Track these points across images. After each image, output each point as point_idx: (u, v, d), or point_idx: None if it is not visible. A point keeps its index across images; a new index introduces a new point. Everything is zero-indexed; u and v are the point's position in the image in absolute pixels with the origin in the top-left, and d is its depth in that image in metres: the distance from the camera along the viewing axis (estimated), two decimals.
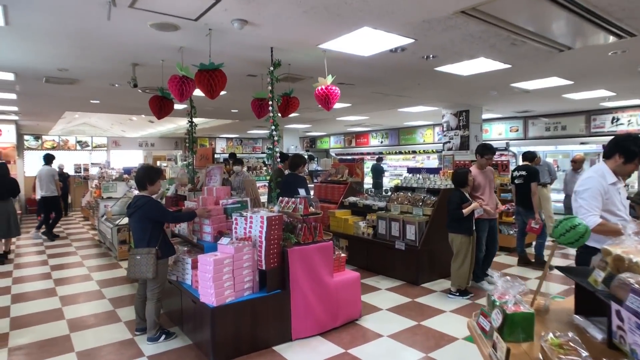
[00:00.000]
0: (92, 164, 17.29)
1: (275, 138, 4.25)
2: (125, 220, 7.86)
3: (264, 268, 3.90)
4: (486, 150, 5.52)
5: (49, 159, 9.53)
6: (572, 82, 6.38)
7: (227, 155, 12.48)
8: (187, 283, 4.28)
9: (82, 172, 16.87)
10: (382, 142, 15.47)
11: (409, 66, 5.26)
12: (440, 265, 6.05)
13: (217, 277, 3.61)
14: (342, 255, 4.67)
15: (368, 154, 15.33)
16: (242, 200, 4.62)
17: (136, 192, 8.93)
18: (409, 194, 6.49)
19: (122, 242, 7.54)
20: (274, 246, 3.96)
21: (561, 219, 2.26)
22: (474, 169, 5.48)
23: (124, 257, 7.44)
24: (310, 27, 3.68)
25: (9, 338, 4.28)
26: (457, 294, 5.21)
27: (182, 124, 15.61)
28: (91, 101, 7.90)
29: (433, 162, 13.38)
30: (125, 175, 11.18)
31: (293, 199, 4.39)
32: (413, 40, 4.07)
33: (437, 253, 5.97)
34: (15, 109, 8.74)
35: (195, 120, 13.42)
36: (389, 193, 7.49)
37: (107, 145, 17.66)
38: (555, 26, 3.81)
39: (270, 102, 4.30)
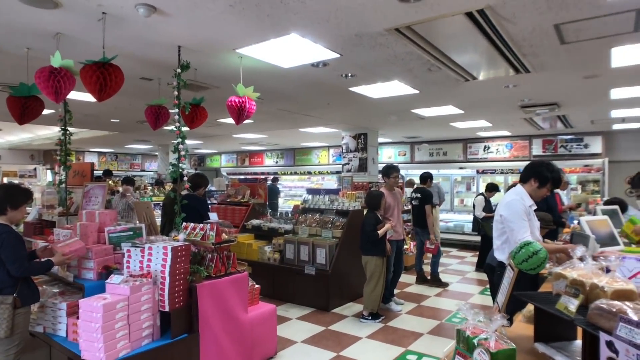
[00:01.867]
0: None
1: (182, 153, 3.62)
2: None
3: (167, 309, 3.21)
4: (391, 169, 5.58)
5: None
6: (462, 112, 6.91)
7: (102, 172, 10.90)
8: (61, 335, 3.33)
9: None
10: (277, 162, 15.17)
11: (325, 84, 5.08)
12: (349, 289, 5.90)
13: (107, 326, 2.83)
14: (257, 286, 4.17)
15: (262, 173, 14.85)
16: (135, 227, 3.83)
17: None
18: (317, 216, 6.26)
19: None
20: (180, 282, 3.30)
21: (521, 244, 2.17)
22: (384, 190, 5.48)
23: None
24: (232, 25, 3.20)
25: None
26: (370, 317, 5.08)
27: (40, 133, 13.27)
28: None
29: (329, 182, 13.49)
30: None
31: (201, 225, 3.77)
32: (338, 56, 3.87)
33: (346, 276, 5.81)
34: None
35: (58, 129, 11.65)
36: (291, 215, 7.19)
37: None
38: (471, 55, 3.98)
39: (174, 111, 3.67)
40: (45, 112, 6.37)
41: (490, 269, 3.39)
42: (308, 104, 6.41)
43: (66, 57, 3.31)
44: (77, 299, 3.45)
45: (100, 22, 3.12)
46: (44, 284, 3.85)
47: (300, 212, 6.55)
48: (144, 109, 4.33)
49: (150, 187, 9.02)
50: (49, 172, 15.47)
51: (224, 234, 3.73)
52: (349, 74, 4.61)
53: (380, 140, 10.30)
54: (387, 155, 12.56)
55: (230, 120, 8.05)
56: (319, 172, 13.97)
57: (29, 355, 3.54)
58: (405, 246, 7.50)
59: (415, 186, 7.59)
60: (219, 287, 3.55)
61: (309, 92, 5.60)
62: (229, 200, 7.66)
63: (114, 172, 12.52)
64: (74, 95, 4.58)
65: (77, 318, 3.23)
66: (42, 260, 3.18)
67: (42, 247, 3.36)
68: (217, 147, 15.27)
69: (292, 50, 3.77)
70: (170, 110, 4.48)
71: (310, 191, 8.53)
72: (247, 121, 8.17)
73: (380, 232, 4.88)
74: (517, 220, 2.98)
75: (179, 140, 3.56)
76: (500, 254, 3.14)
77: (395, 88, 5.25)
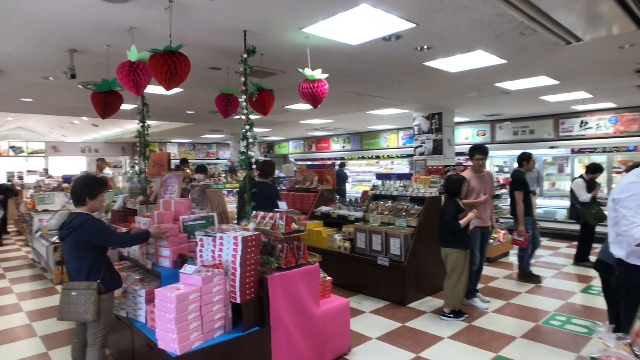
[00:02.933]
0: (27, 171, 15.54)
1: (251, 140, 3.52)
2: None
3: (238, 301, 3.16)
4: (474, 150, 5.09)
5: None
6: (557, 82, 6.10)
7: (179, 161, 11.45)
8: (141, 321, 3.44)
9: (15, 180, 15.09)
10: (343, 147, 14.94)
11: (397, 59, 4.70)
12: (427, 282, 5.53)
13: (181, 317, 2.82)
14: (328, 278, 4.00)
15: (329, 159, 14.72)
16: (207, 216, 3.84)
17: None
18: (390, 203, 5.93)
19: (59, 262, 6.44)
20: (251, 273, 3.22)
21: None
22: (468, 173, 5.01)
23: (61, 280, 6.36)
24: (298, 1, 2.99)
25: None
26: (452, 315, 4.68)
27: (129, 127, 14.31)
28: (22, 99, 6.75)
29: (399, 167, 13.01)
30: (65, 185, 9.89)
31: (270, 214, 3.67)
32: (414, 26, 3.49)
33: (424, 268, 5.45)
34: None
35: (147, 122, 12.23)
36: (360, 202, 6.92)
37: (45, 151, 15.95)
38: (580, 10, 3.35)
39: (241, 98, 3.56)
40: (126, 106, 6.74)
41: (605, 267, 2.87)
42: (377, 83, 6.06)
43: (141, 50, 3.34)
44: (155, 286, 3.54)
45: (167, 10, 3.08)
46: (127, 269, 4.02)
47: (370, 199, 6.26)
48: (212, 100, 4.35)
49: (224, 175, 9.24)
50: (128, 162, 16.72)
51: (293, 224, 3.59)
52: (425, 47, 4.18)
53: (456, 119, 9.61)
54: (464, 135, 11.74)
55: (298, 107, 8.04)
56: (387, 156, 13.50)
57: (114, 336, 3.72)
58: (493, 234, 6.91)
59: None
60: (290, 279, 3.42)
61: (379, 70, 5.25)
62: (297, 186, 7.59)
63: (190, 161, 13.14)
64: (151, 89, 4.70)
65: (154, 305, 3.31)
66: (140, 231, 3.39)
67: (138, 227, 3.62)
68: (285, 134, 15.37)
69: (362, 24, 3.47)
70: (239, 99, 4.43)
71: (380, 176, 8.18)
72: (308, 107, 8.08)
73: (462, 222, 4.44)
74: (632, 207, 2.45)
75: (247, 127, 3.44)
76: (618, 248, 2.61)
77: (477, 59, 4.71)
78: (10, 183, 12.61)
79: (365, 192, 7.50)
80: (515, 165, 6.53)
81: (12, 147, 15.33)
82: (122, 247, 3.07)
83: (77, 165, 16.19)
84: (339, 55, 4.44)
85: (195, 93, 6.35)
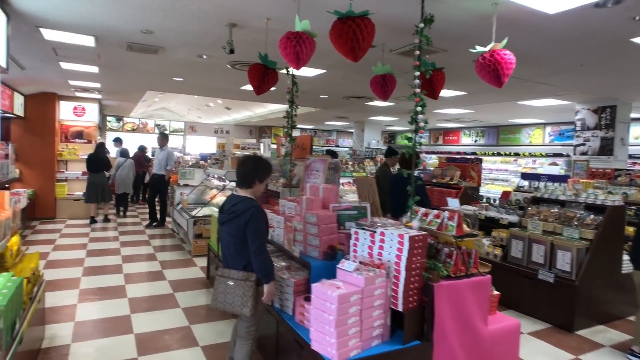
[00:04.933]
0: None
1: (422, 124, 3.02)
2: (203, 211, 7.11)
3: (399, 309, 2.72)
4: None
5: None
6: None
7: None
8: (287, 313, 3.21)
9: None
10: (475, 140, 13.64)
11: (600, 33, 3.77)
12: (600, 307, 4.54)
13: (341, 320, 2.47)
14: (495, 292, 3.36)
15: (457, 153, 13.58)
16: (359, 206, 3.46)
17: (216, 183, 8.31)
18: (556, 209, 4.98)
19: (198, 235, 6.76)
20: (416, 279, 2.76)
21: None
22: None
23: (198, 252, 6.68)
24: None
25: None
26: None
27: (258, 111, 14.91)
28: (174, 79, 7.18)
29: (543, 167, 11.44)
30: (202, 162, 10.59)
31: (435, 212, 3.15)
32: None
33: (598, 291, 4.47)
34: (98, 85, 8.31)
35: (272, 107, 12.52)
36: (514, 204, 6.01)
37: (184, 130, 17.51)
38: None
39: (416, 76, 3.04)
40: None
41: None
42: (553, 67, 5.08)
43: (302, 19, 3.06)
44: (302, 276, 3.29)
45: None
46: (272, 254, 3.85)
47: (530, 202, 5.36)
48: (355, 83, 3.96)
49: (350, 163, 8.96)
50: (261, 145, 17.46)
51: (465, 226, 3.03)
52: None
53: (633, 114, 7.96)
54: (633, 135, 9.79)
55: (443, 93, 7.27)
56: (529, 154, 11.95)
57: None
58: None
59: None
60: (459, 290, 2.88)
61: (566, 48, 4.33)
62: (434, 180, 6.94)
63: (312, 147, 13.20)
64: (301, 71, 4.47)
65: (305, 299, 3.04)
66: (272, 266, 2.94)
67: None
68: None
69: None
70: (396, 78, 3.96)
71: (527, 176, 7.16)
72: (459, 92, 7.26)
73: None
74: None
75: (419, 109, 2.95)
76: None
77: None
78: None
79: (506, 193, 6.59)
80: None
81: (157, 125, 17.08)
82: (255, 256, 2.77)
83: (209, 145, 17.49)
84: (524, 29, 3.69)
85: (338, 75, 6.05)
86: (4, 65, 3.58)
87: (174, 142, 17.41)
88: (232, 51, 3.92)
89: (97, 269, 5.82)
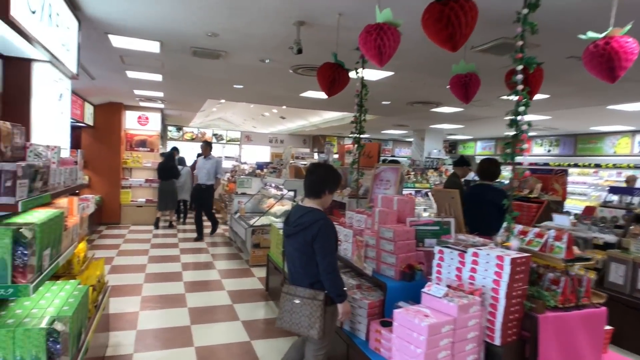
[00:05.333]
0: (225, 157, 17.56)
1: (524, 127, 2.60)
2: (261, 220, 6.98)
3: (496, 342, 2.31)
4: None
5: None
6: None
7: None
8: (360, 337, 2.88)
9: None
10: (549, 150, 12.58)
11: None
12: None
13: (431, 354, 2.11)
14: (607, 327, 2.82)
15: (529, 164, 12.59)
16: (442, 221, 3.07)
17: (273, 192, 8.20)
18: None
19: (256, 245, 6.61)
20: (516, 308, 2.33)
21: None
22: None
23: (256, 262, 6.52)
24: None
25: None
26: None
27: (313, 120, 14.79)
28: (234, 86, 7.15)
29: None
30: (258, 171, 10.56)
31: (536, 230, 2.70)
32: None
33: None
34: (161, 94, 8.51)
35: (328, 115, 12.22)
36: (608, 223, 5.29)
37: (239, 140, 17.79)
38: None
39: (517, 72, 2.63)
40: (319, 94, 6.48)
41: None
42: None
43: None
44: (377, 297, 2.95)
45: None
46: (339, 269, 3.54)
47: (632, 220, 4.68)
48: (423, 87, 3.58)
49: (412, 173, 8.50)
50: (316, 154, 17.34)
51: (575, 248, 2.56)
52: None
53: None
54: None
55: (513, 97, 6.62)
56: (613, 165, 10.82)
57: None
58: None
59: None
60: (567, 324, 2.41)
61: None
62: (508, 193, 6.32)
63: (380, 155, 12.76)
64: (366, 73, 4.17)
65: (382, 324, 2.70)
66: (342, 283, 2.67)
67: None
68: (478, 132, 13.65)
69: None
70: (473, 76, 3.54)
71: (617, 190, 6.38)
72: (543, 96, 6.61)
73: None
74: None
75: (521, 109, 2.54)
76: None
77: None
78: None
79: (590, 209, 5.86)
80: None
81: (214, 135, 17.49)
82: (326, 274, 2.49)
83: (263, 154, 17.63)
84: None
85: (407, 77, 5.70)
86: (75, 71, 3.59)
87: (230, 151, 17.75)
88: (299, 51, 3.70)
89: (159, 276, 5.80)
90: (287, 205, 7.37)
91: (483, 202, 4.12)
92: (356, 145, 4.16)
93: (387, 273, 2.97)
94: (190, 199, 10.39)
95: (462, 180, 5.76)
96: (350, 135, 17.52)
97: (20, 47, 2.81)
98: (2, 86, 2.90)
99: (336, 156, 6.45)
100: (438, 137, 12.82)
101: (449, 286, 2.48)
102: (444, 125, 11.51)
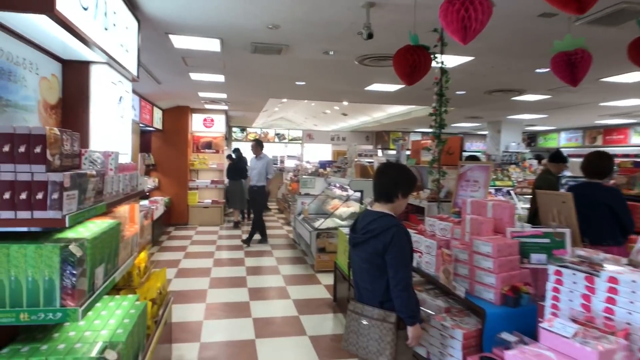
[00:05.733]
0: (288, 156, 17.55)
1: None
2: (326, 223, 6.64)
3: None
4: None
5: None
6: None
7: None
8: None
9: (277, 163, 17.23)
10: None
11: None
12: None
13: None
14: None
15: (624, 155, 11.05)
16: (552, 232, 2.49)
17: (338, 192, 7.82)
18: None
19: (321, 249, 6.28)
20: None
21: None
22: None
23: (322, 267, 6.19)
24: None
25: None
26: None
27: (376, 115, 14.23)
28: (296, 83, 6.87)
29: None
30: (321, 170, 10.27)
31: None
32: None
33: None
34: (224, 95, 8.47)
35: (393, 110, 11.50)
36: None
37: (301, 138, 17.67)
38: None
39: None
40: (388, 87, 5.93)
41: None
42: None
43: None
44: (472, 325, 2.44)
45: None
46: (419, 286, 3.07)
47: None
48: (507, 72, 2.99)
49: (492, 170, 7.69)
50: (379, 151, 16.76)
51: None
52: None
53: None
54: None
55: (625, 78, 5.73)
56: None
57: None
58: None
59: None
60: None
61: None
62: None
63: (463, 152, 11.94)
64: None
65: None
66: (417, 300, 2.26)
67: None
68: (561, 122, 12.26)
69: None
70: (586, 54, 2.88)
71: None
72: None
73: None
74: None
75: None
76: None
77: None
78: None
79: None
80: None
81: (277, 135, 17.52)
82: (398, 291, 2.07)
83: (325, 152, 17.37)
84: None
85: (488, 62, 5.06)
86: (134, 72, 3.43)
87: (292, 150, 17.70)
88: (370, 35, 3.27)
89: (223, 281, 5.66)
90: (353, 207, 6.96)
91: (593, 205, 3.43)
92: (436, 141, 3.64)
93: (485, 296, 2.45)
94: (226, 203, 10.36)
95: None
96: (418, 130, 16.72)
97: (77, 50, 2.65)
98: (61, 91, 2.77)
99: (408, 153, 5.92)
100: (516, 129, 11.71)
101: (573, 320, 1.93)
102: (524, 116, 10.44)
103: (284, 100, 11.59)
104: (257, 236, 8.00)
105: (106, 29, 2.70)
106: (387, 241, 2.14)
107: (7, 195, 1.72)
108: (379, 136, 17.46)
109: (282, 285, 5.56)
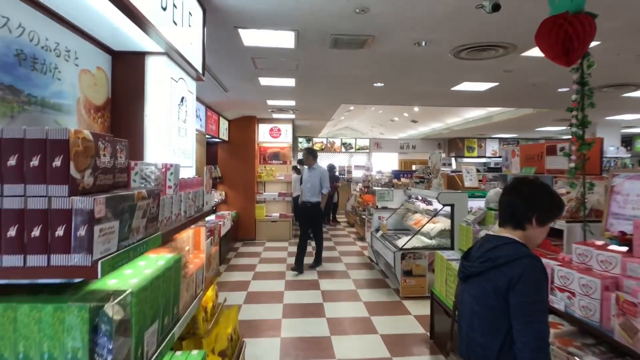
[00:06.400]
0: (355, 166, 16.85)
1: None
2: (412, 242, 5.79)
3: None
4: None
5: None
6: None
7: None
8: None
9: (345, 174, 16.57)
10: None
11: None
12: None
13: None
14: None
15: None
16: None
17: (422, 206, 6.80)
18: None
19: (407, 272, 5.43)
20: None
21: None
22: None
23: (408, 294, 5.35)
24: None
25: None
26: None
27: (450, 121, 13.09)
28: (374, 84, 6.14)
29: None
30: (395, 180, 9.41)
31: None
32: None
33: None
34: (292, 103, 7.95)
35: (470, 114, 10.36)
36: None
37: (369, 148, 16.89)
38: None
39: None
40: (481, 85, 4.99)
41: None
42: None
43: None
44: None
45: None
46: (571, 339, 2.18)
47: None
48: (635, 61, 1.98)
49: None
50: (453, 159, 15.53)
51: None
52: None
53: None
54: None
55: None
56: None
57: None
58: None
59: None
60: None
61: None
62: None
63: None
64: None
65: None
66: None
67: None
68: None
69: None
70: None
71: None
72: None
73: None
74: None
75: None
76: None
77: None
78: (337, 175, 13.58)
79: None
80: None
81: (343, 144, 16.88)
82: (529, 352, 1.32)
83: (392, 161, 16.43)
84: None
85: (614, 47, 4.02)
86: (199, 69, 2.89)
87: (359, 159, 16.95)
88: (496, 7, 2.46)
89: (298, 309, 5.00)
90: (441, 223, 6.04)
91: None
92: (580, 143, 2.72)
93: None
94: (295, 218, 9.53)
95: None
96: (496, 136, 15.23)
97: (132, 37, 2.13)
98: (110, 90, 2.25)
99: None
100: (613, 132, 10.10)
101: None
102: (625, 116, 8.88)
103: (352, 107, 10.94)
104: (330, 252, 7.29)
105: (164, 9, 2.14)
106: (515, 276, 1.50)
107: (12, 232, 1.14)
108: (452, 143, 16.20)
109: (365, 316, 4.78)
